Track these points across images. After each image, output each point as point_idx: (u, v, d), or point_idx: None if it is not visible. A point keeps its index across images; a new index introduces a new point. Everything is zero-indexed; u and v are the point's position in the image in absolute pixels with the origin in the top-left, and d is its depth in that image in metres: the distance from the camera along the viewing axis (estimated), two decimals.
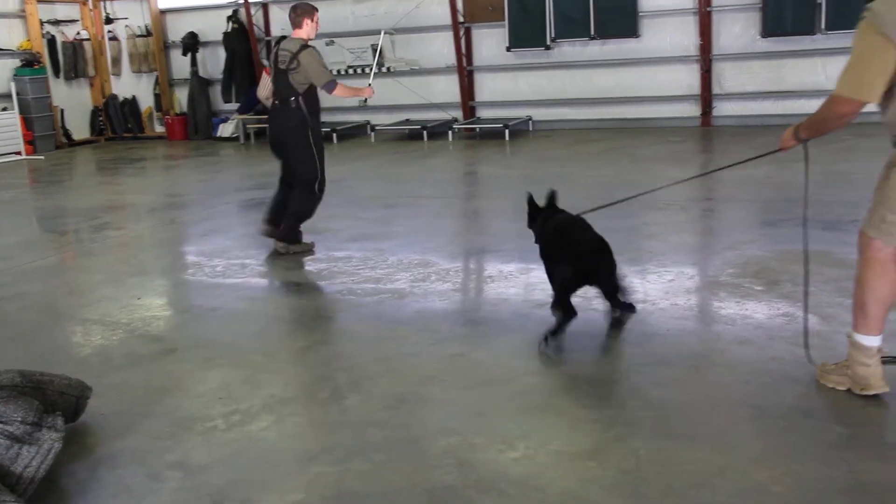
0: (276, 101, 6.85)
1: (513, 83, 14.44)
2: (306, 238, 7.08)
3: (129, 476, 3.47)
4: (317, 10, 6.95)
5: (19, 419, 3.36)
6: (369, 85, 7.57)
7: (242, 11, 15.63)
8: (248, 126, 15.34)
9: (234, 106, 15.78)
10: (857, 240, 3.70)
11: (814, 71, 12.57)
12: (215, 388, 4.30)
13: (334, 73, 14.97)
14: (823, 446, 3.36)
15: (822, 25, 12.24)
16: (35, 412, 3.45)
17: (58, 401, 3.73)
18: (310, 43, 6.82)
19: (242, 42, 15.66)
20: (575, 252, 4.76)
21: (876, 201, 3.59)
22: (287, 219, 6.92)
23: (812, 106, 12.45)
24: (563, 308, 4.65)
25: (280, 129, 6.89)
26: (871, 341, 3.67)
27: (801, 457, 3.28)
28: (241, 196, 10.06)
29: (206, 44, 16.24)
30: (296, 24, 6.86)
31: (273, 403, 4.08)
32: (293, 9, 6.91)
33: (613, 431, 3.60)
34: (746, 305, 5.03)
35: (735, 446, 3.41)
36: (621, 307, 4.89)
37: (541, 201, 5.15)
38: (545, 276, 5.78)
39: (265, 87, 7.08)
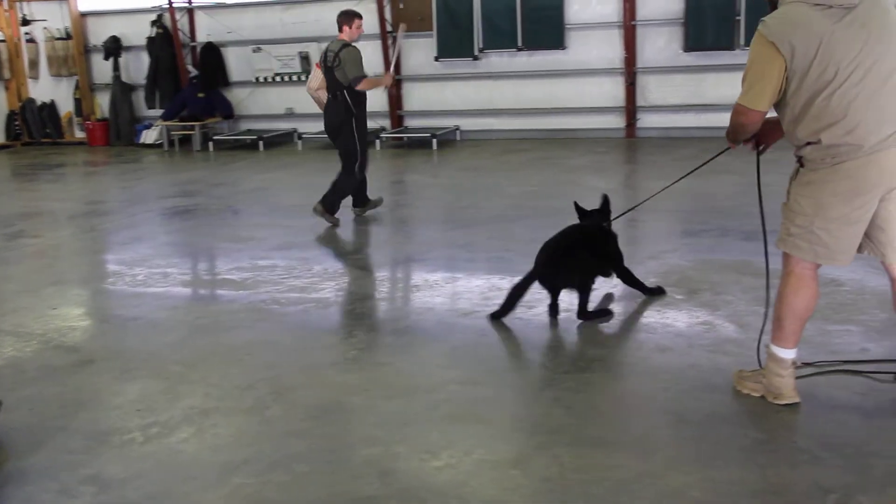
0: (330, 95, 8.02)
1: (441, 93, 14.48)
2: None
3: (39, 493, 3.36)
4: (357, 16, 7.98)
5: None
6: (388, 72, 8.83)
7: (167, 16, 15.34)
8: (172, 133, 15.04)
9: (158, 112, 15.47)
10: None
11: (733, 85, 12.52)
12: (133, 400, 4.19)
13: (261, 80, 15.02)
14: (738, 451, 3.44)
15: (741, 41, 12.59)
16: None
17: None
18: (352, 44, 7.88)
19: (167, 47, 15.34)
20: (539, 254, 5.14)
21: (782, 215, 3.70)
22: (330, 192, 8.02)
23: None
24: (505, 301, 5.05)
25: (331, 118, 8.09)
26: (787, 354, 3.76)
27: (717, 461, 3.35)
28: (164, 204, 9.87)
29: (129, 48, 15.86)
30: (340, 28, 7.96)
31: (193, 415, 4.00)
32: (339, 14, 8.05)
33: (536, 439, 3.63)
34: (667, 314, 5.13)
35: (654, 452, 3.46)
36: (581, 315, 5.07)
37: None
38: (471, 286, 5.84)
39: (315, 79, 8.36)
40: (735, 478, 3.24)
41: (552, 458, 3.43)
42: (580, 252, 5.13)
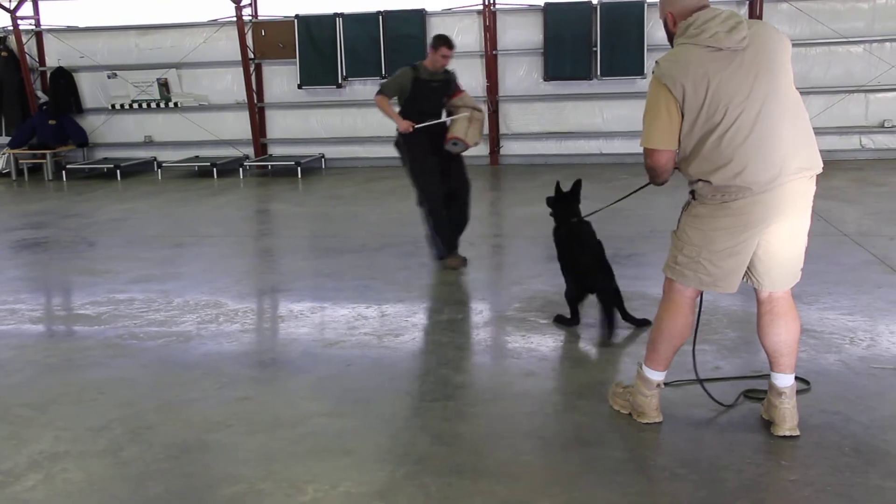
0: None
1: (305, 121, 14.38)
2: None
3: None
4: (443, 44, 7.26)
5: None
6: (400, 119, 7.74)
7: (12, 38, 14.65)
8: (21, 161, 14.32)
9: (4, 139, 14.71)
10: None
11: (591, 113, 13.38)
12: None
13: (117, 107, 14.51)
14: (602, 472, 3.50)
15: (598, 72, 13.07)
16: None
17: None
18: (420, 64, 7.45)
19: (12, 71, 14.65)
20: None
21: (671, 243, 3.80)
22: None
23: (590, 146, 13.33)
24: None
25: None
26: (655, 375, 3.88)
27: (581, 483, 3.41)
28: (11, 236, 9.35)
29: None
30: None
31: (41, 460, 3.77)
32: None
33: (403, 469, 3.60)
34: (531, 339, 5.20)
35: (519, 477, 3.49)
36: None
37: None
38: (337, 315, 5.77)
39: None
40: (598, 498, 3.29)
41: (419, 488, 3.41)
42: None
